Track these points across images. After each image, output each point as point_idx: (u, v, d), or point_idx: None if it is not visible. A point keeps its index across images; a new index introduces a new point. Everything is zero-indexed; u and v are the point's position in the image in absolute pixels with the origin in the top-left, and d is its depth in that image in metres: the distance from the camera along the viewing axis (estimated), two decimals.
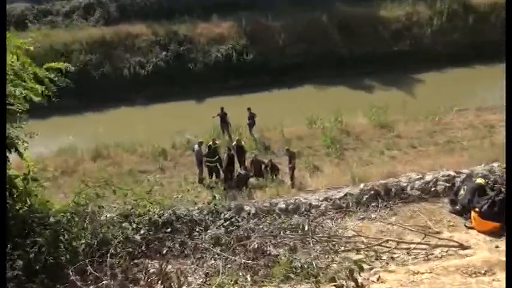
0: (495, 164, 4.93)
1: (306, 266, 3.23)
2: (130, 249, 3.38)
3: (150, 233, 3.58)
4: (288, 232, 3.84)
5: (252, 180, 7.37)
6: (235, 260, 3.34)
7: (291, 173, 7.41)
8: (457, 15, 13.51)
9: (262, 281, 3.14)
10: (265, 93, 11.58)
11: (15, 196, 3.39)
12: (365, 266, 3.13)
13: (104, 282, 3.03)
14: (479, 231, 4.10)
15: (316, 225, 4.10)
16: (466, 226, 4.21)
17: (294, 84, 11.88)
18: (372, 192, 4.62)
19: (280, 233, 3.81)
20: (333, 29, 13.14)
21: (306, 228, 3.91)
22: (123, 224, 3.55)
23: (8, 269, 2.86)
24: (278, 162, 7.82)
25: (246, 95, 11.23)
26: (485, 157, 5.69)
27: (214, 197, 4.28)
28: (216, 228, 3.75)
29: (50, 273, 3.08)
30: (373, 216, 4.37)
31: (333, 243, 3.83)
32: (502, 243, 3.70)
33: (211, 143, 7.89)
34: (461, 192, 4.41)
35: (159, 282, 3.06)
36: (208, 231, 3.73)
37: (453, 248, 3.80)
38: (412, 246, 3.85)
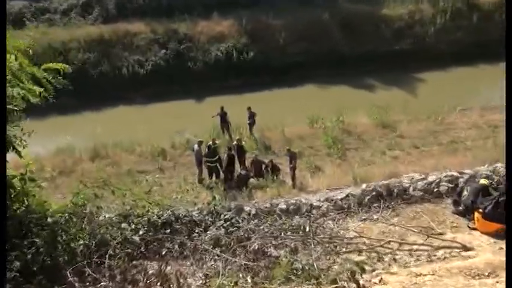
0: (499, 165, 4.90)
1: (307, 268, 3.21)
2: (129, 250, 3.37)
3: (149, 233, 3.56)
4: (288, 233, 3.83)
5: (252, 180, 7.32)
6: (236, 261, 3.33)
7: (292, 174, 7.35)
8: (461, 13, 13.42)
9: (263, 283, 3.11)
10: (265, 92, 11.52)
11: (12, 196, 3.36)
12: (367, 268, 3.11)
13: (102, 283, 3.01)
14: (482, 233, 4.07)
15: (317, 226, 4.08)
16: (469, 227, 4.18)
17: (295, 83, 11.81)
18: (374, 192, 4.60)
19: (281, 234, 3.80)
20: (334, 27, 13.07)
21: (307, 229, 3.89)
22: (122, 225, 3.53)
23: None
24: (279, 162, 7.76)
25: (247, 94, 11.17)
26: (488, 157, 5.64)
27: (214, 197, 4.26)
28: (216, 229, 3.73)
29: (47, 275, 3.06)
30: (375, 217, 4.34)
31: (335, 244, 3.82)
32: None
33: (211, 142, 7.83)
34: (465, 193, 4.38)
35: (158, 283, 3.04)
36: (208, 232, 3.71)
37: (456, 250, 3.79)
38: (415, 247, 3.83)
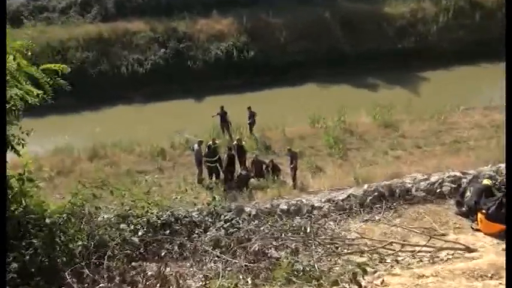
0: (502, 165, 4.85)
1: (308, 269, 3.17)
2: (128, 252, 3.33)
3: (149, 234, 3.51)
4: (289, 234, 3.79)
5: (252, 180, 7.31)
6: (236, 263, 3.29)
7: (293, 174, 7.32)
8: (464, 11, 13.35)
9: (263, 284, 3.08)
10: (266, 91, 11.49)
11: (10, 197, 3.33)
12: (369, 269, 3.05)
13: (101, 285, 2.97)
14: (486, 234, 4.04)
15: (318, 227, 4.05)
16: (472, 228, 4.16)
17: (296, 82, 11.76)
18: (376, 193, 4.58)
19: (281, 235, 3.76)
20: (335, 25, 13.01)
21: (308, 230, 3.85)
22: (121, 226, 3.48)
23: None
24: (279, 162, 7.73)
25: (247, 94, 11.14)
26: (492, 157, 5.64)
27: (214, 198, 4.21)
28: (216, 230, 3.69)
29: (45, 276, 3.02)
30: (377, 218, 4.32)
31: (336, 245, 3.79)
32: None
33: (211, 142, 7.80)
34: (468, 193, 4.35)
35: (158, 285, 3.00)
36: (208, 233, 3.68)
37: (459, 251, 3.75)
38: (417, 248, 3.79)
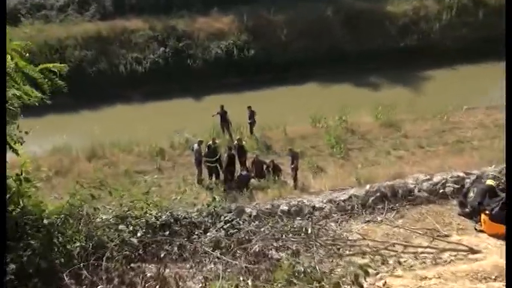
0: None
1: (309, 271, 3.13)
2: (127, 253, 3.28)
3: (148, 235, 3.47)
4: (290, 235, 3.75)
5: (253, 181, 7.26)
6: (236, 264, 3.25)
7: (294, 174, 7.27)
8: (467, 9, 13.23)
9: (264, 286, 3.05)
10: (267, 90, 11.42)
11: (8, 197, 3.29)
12: (371, 271, 3.03)
13: (99, 286, 2.94)
14: (489, 235, 4.01)
15: (319, 228, 4.02)
16: (476, 229, 4.13)
17: (297, 81, 11.67)
18: (378, 194, 4.56)
19: (282, 236, 3.73)
20: (337, 24, 12.95)
21: (309, 231, 3.81)
22: (120, 227, 3.44)
23: None
24: (280, 162, 7.68)
25: (247, 93, 11.07)
26: (495, 158, 5.52)
27: (214, 198, 4.17)
28: (216, 230, 3.65)
29: (43, 277, 2.99)
30: (379, 218, 4.30)
31: (337, 246, 3.76)
32: None
33: (211, 142, 7.74)
34: (471, 194, 4.32)
35: (157, 287, 2.97)
36: (208, 234, 3.64)
37: (462, 252, 3.73)
38: (420, 250, 3.77)
